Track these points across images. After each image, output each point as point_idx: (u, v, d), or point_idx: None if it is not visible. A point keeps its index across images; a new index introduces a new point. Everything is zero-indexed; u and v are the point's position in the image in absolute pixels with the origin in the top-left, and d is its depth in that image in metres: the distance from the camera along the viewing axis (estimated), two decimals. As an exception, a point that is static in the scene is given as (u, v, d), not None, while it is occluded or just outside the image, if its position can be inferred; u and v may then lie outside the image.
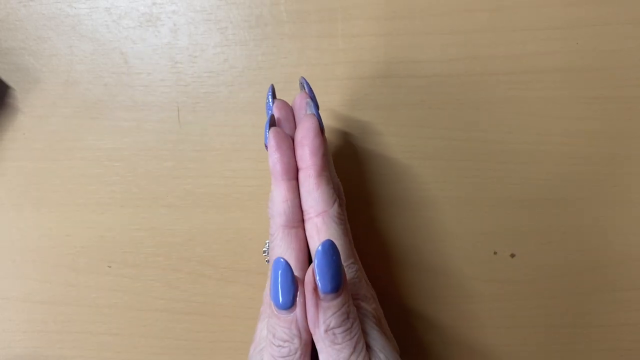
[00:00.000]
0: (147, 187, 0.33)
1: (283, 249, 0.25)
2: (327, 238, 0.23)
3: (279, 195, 0.25)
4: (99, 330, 0.34)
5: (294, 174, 0.26)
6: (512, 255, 0.33)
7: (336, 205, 0.25)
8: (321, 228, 0.25)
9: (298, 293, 0.22)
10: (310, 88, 0.28)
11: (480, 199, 0.33)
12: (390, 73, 0.32)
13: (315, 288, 0.22)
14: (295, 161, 0.26)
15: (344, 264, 0.25)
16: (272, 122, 0.26)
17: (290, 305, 0.22)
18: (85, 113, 0.33)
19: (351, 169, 0.32)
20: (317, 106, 0.27)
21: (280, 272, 0.22)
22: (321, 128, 0.26)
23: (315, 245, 0.25)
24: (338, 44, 0.32)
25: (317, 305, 0.22)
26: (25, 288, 0.34)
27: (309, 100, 0.27)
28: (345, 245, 0.25)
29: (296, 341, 0.23)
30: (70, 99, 0.33)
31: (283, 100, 0.27)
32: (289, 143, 0.26)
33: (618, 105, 0.32)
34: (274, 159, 0.25)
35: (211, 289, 0.33)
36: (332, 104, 0.32)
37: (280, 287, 0.22)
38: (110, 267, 0.34)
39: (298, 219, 0.25)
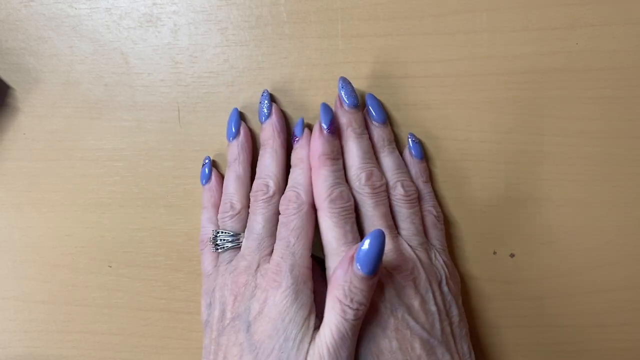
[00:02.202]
0: (148, 187, 0.33)
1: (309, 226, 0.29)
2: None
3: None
4: (100, 330, 0.34)
5: None
6: (512, 255, 0.33)
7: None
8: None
9: None
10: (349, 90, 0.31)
11: (480, 199, 0.33)
12: (390, 73, 0.32)
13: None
14: None
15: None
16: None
17: (377, 271, 0.25)
18: (86, 113, 0.33)
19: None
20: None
21: (381, 242, 0.25)
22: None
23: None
24: (338, 45, 0.32)
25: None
26: (26, 288, 0.34)
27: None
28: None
29: (368, 303, 0.26)
30: (70, 99, 0.33)
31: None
32: None
33: (618, 105, 0.32)
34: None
35: (211, 289, 0.33)
36: (331, 104, 0.32)
37: (377, 256, 0.25)
38: (110, 267, 0.34)
39: None
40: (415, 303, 0.27)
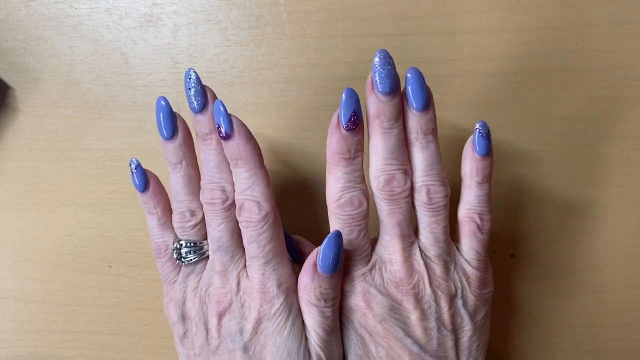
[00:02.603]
0: (148, 187, 0.33)
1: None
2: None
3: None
4: (100, 330, 0.34)
5: None
6: (512, 255, 0.33)
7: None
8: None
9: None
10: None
11: (480, 199, 0.33)
12: (390, 73, 0.32)
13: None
14: None
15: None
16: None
17: (341, 267, 0.26)
18: (86, 113, 0.33)
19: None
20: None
21: (338, 243, 0.26)
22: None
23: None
24: (338, 45, 0.32)
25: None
26: (26, 288, 0.34)
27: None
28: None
29: (339, 293, 0.27)
30: (70, 99, 0.33)
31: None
32: None
33: (618, 105, 0.32)
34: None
35: (211, 289, 0.33)
36: (331, 105, 0.32)
37: (337, 257, 0.25)
38: (110, 266, 0.34)
39: None
40: (413, 317, 0.26)
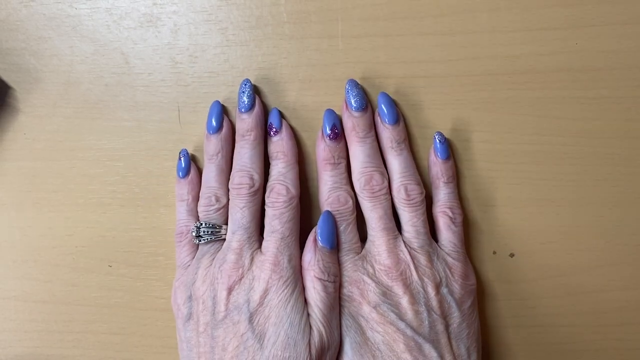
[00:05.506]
0: (148, 187, 0.34)
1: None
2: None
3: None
4: (100, 329, 0.34)
5: None
6: (512, 255, 0.33)
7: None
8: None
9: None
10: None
11: (480, 199, 0.33)
12: (390, 74, 0.32)
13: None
14: None
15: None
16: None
17: (336, 244, 0.30)
18: (86, 113, 0.33)
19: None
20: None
21: (330, 219, 0.29)
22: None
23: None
24: (338, 45, 0.32)
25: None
26: (26, 288, 0.34)
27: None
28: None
29: (339, 274, 0.30)
30: (71, 99, 0.33)
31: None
32: None
33: (618, 105, 0.32)
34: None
35: (211, 289, 0.33)
36: (331, 105, 0.32)
37: (332, 230, 0.29)
38: (111, 266, 0.34)
39: None
40: (403, 301, 0.29)
